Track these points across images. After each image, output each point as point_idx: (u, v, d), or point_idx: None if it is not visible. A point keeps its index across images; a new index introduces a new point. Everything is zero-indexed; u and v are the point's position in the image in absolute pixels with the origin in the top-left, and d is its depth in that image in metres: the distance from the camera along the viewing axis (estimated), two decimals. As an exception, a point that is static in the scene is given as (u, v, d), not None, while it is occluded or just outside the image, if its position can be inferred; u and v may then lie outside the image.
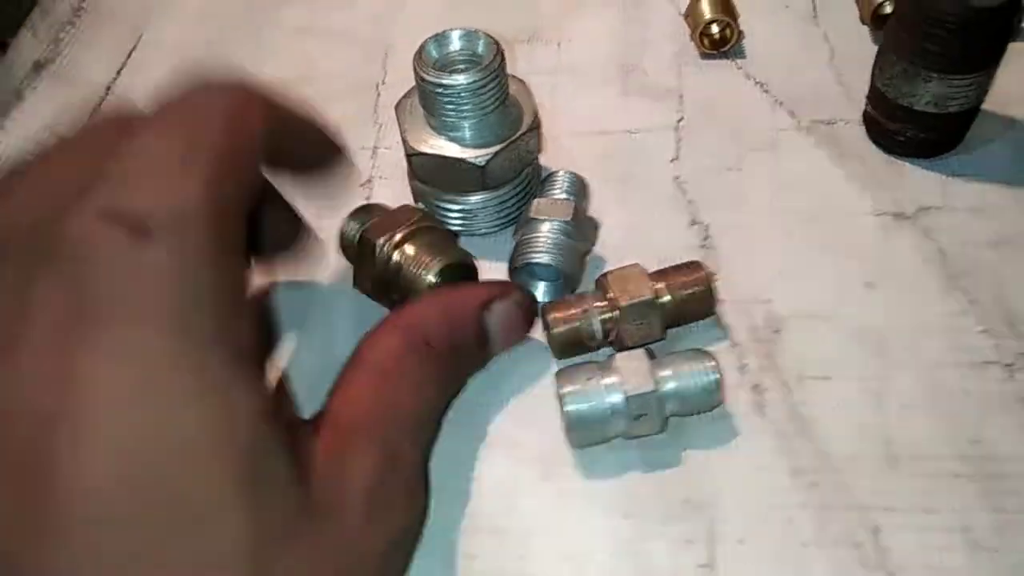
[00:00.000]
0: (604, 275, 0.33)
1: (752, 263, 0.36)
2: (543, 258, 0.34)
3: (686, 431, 0.31)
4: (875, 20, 0.44)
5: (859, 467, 0.30)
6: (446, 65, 0.35)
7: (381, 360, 0.28)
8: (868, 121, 0.40)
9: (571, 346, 0.32)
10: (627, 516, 0.29)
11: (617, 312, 0.32)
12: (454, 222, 0.37)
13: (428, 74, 0.34)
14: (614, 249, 0.37)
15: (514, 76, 0.37)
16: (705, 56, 0.45)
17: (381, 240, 0.33)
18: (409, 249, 0.33)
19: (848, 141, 0.40)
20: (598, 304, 0.32)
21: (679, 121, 0.42)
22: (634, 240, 0.37)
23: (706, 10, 0.44)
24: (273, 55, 0.48)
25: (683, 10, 0.46)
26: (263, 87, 0.27)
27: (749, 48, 0.45)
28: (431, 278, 0.33)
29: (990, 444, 0.30)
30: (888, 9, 0.43)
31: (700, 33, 0.44)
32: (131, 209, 0.21)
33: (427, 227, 0.34)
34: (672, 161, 0.40)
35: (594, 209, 0.38)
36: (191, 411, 0.20)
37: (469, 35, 0.35)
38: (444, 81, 0.34)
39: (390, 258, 0.33)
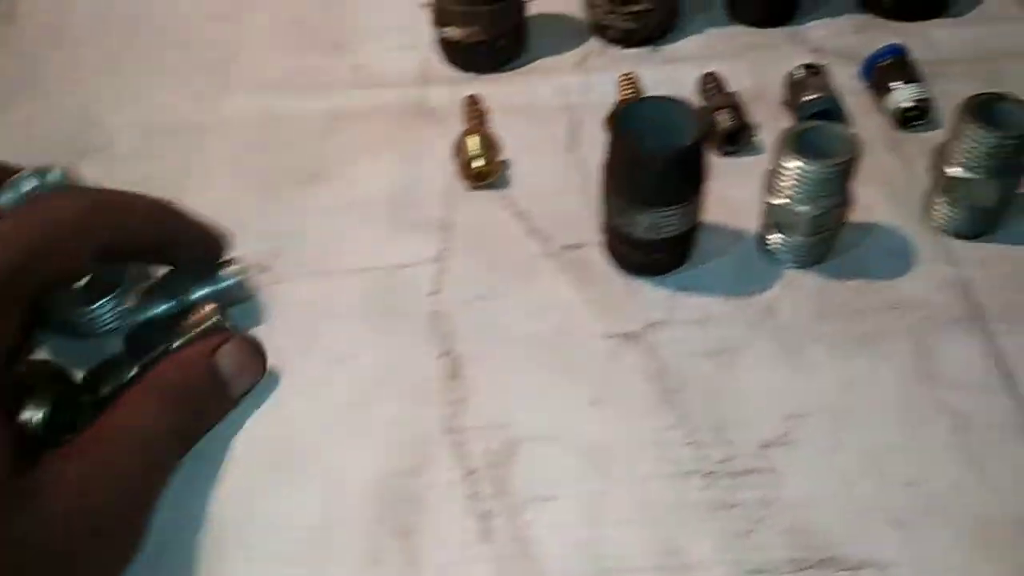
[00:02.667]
0: None
1: (496, 389, 0.39)
2: None
3: (415, 558, 0.33)
4: (623, 146, 0.48)
5: (570, 585, 0.32)
6: None
7: (121, 404, 0.35)
8: (605, 245, 0.44)
9: None
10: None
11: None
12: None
13: None
14: (361, 388, 0.39)
15: None
16: (473, 188, 0.48)
17: None
18: None
19: (592, 264, 0.44)
20: None
21: (442, 253, 0.45)
22: (382, 374, 0.40)
23: (469, 147, 0.48)
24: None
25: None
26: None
27: (514, 178, 0.49)
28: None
29: (684, 552, 0.33)
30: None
31: (464, 168, 0.48)
32: None
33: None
34: (432, 294, 0.43)
35: (350, 346, 0.41)
36: None
37: (41, 172, 0.40)
38: None
39: None
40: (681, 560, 0.33)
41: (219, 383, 0.37)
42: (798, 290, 0.42)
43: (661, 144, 0.38)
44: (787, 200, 0.40)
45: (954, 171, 0.41)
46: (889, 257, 0.43)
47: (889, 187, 0.46)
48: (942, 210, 0.43)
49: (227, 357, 0.37)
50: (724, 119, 0.48)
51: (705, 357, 0.39)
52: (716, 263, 0.43)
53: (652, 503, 0.34)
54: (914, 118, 0.49)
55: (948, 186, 0.42)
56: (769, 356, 0.39)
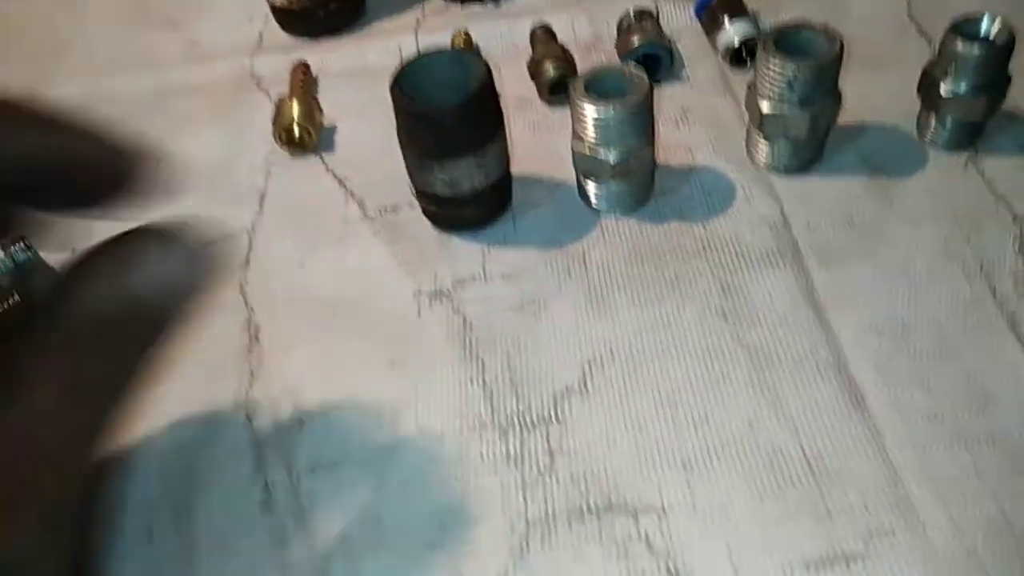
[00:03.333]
0: None
1: (292, 358, 0.38)
2: None
3: (191, 533, 0.32)
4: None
5: (344, 552, 0.31)
6: None
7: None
8: (420, 205, 0.42)
9: None
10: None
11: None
12: None
13: None
14: (161, 367, 0.38)
15: None
16: (293, 155, 0.47)
17: None
18: None
19: (407, 225, 0.42)
20: None
21: (256, 223, 0.44)
22: (183, 350, 0.38)
23: (288, 114, 0.46)
24: None
25: (279, 114, 0.48)
26: None
27: (339, 143, 0.47)
28: None
29: (467, 509, 0.32)
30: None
31: (283, 135, 0.46)
32: None
33: None
34: (243, 266, 0.42)
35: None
36: None
37: None
38: None
39: None
40: (464, 517, 0.31)
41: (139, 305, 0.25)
42: (613, 237, 0.41)
43: (446, 97, 0.37)
44: (589, 147, 0.39)
45: (764, 105, 0.40)
46: (709, 198, 0.42)
47: (717, 128, 0.45)
48: (761, 146, 0.42)
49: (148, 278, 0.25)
50: (549, 69, 0.47)
51: (512, 310, 0.38)
52: (535, 214, 0.42)
53: (441, 461, 0.33)
54: (746, 57, 0.48)
55: (761, 121, 0.40)
56: (576, 305, 0.38)
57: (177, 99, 0.52)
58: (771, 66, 0.38)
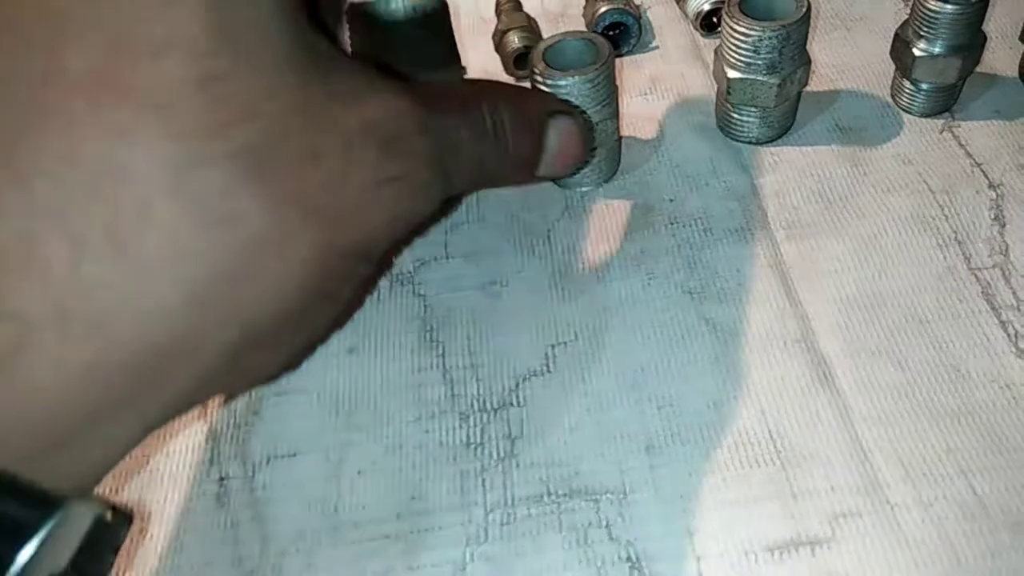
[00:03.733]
0: None
1: (251, 346, 0.36)
2: None
3: (146, 530, 0.31)
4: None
5: (301, 545, 0.30)
6: None
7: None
8: (378, 184, 0.41)
9: None
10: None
11: None
12: None
13: None
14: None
15: None
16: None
17: None
18: None
19: (368, 205, 0.41)
20: None
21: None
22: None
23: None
24: None
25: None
26: None
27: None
28: None
29: (425, 498, 0.31)
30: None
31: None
32: None
33: None
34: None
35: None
36: None
37: None
38: None
39: None
40: (421, 506, 0.31)
41: (535, 149, 0.32)
42: (578, 213, 0.39)
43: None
44: (551, 118, 0.37)
45: (730, 72, 0.38)
46: (676, 171, 0.40)
47: (686, 98, 0.44)
48: (730, 116, 0.41)
49: (558, 130, 0.32)
50: (513, 40, 0.45)
51: (474, 291, 0.37)
52: (499, 192, 0.41)
53: (399, 449, 0.32)
54: (718, 23, 0.46)
55: (728, 89, 0.39)
56: (539, 284, 0.37)
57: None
58: (735, 29, 0.37)
